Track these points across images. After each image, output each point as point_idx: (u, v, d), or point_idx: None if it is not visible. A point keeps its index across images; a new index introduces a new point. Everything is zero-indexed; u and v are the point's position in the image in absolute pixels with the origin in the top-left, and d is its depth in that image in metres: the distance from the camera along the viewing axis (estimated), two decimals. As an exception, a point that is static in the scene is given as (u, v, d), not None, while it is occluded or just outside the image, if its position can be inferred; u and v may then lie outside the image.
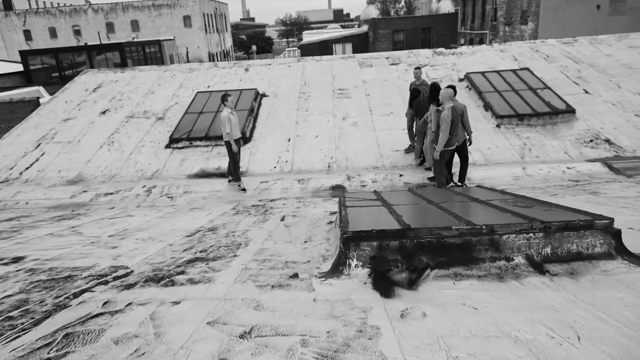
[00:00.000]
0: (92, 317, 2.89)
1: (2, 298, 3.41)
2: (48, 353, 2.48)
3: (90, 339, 2.60)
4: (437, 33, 41.24)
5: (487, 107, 10.73)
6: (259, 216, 6.51)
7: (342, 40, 42.47)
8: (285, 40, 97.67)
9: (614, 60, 12.56)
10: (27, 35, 52.11)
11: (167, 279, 3.61)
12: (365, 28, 44.25)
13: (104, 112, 12.62)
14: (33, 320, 2.91)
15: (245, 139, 10.49)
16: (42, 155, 11.11)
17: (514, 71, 12.07)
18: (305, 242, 4.68)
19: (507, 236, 3.29)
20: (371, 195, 5.83)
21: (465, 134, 7.57)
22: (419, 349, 2.32)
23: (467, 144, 7.68)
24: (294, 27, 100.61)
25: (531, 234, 3.28)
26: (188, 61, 48.21)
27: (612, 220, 3.29)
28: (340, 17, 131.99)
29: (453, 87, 7.31)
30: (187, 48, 50.26)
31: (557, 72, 12.16)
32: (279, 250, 4.35)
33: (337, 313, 2.74)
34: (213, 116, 11.37)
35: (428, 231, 3.34)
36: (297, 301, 2.96)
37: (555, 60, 12.88)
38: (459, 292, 2.92)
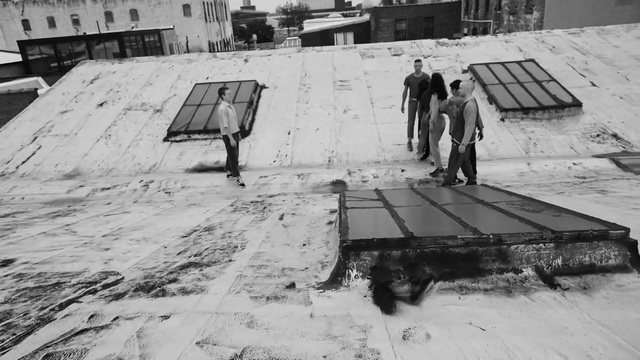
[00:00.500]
0: (76, 334, 2.73)
1: (-14, 309, 3.25)
2: (27, 376, 2.32)
3: (73, 360, 2.45)
4: (440, 22, 40.65)
5: (491, 100, 10.49)
6: (257, 214, 6.34)
7: (344, 29, 41.93)
8: (287, 29, 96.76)
9: (622, 51, 12.26)
10: (26, 24, 51.60)
11: (158, 288, 3.45)
12: (367, 17, 43.64)
13: (101, 105, 12.41)
14: (14, 337, 2.75)
15: (244, 132, 10.29)
16: (38, 148, 10.94)
17: (518, 63, 11.80)
18: (304, 245, 4.51)
19: (515, 246, 3.11)
20: (372, 194, 5.65)
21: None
22: (423, 376, 2.15)
23: (477, 139, 7.52)
24: (294, 15, 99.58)
25: (541, 245, 3.09)
26: (188, 50, 47.74)
27: (627, 230, 3.10)
28: (341, 5, 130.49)
29: (459, 82, 7.29)
30: (186, 37, 49.75)
31: (563, 64, 11.89)
32: (276, 255, 4.18)
33: (335, 332, 2.57)
34: (212, 108, 11.15)
35: (432, 240, 3.17)
36: (293, 317, 2.79)
37: (561, 52, 12.59)
38: (465, 309, 2.74)
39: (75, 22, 51.81)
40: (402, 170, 8.45)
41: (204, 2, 52.43)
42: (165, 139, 10.57)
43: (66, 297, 3.38)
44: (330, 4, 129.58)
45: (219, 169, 9.33)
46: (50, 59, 34.07)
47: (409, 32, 40.58)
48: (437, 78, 7.85)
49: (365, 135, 10.01)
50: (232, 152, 8.29)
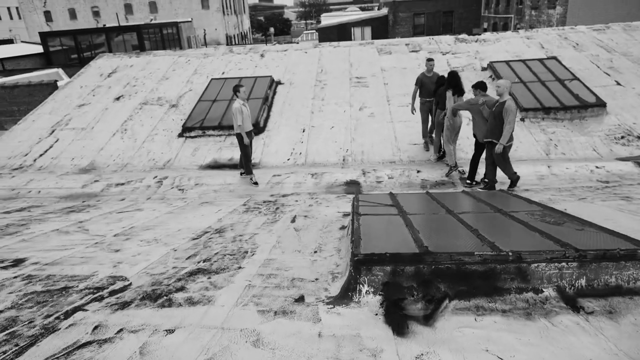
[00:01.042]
0: (78, 348, 2.67)
1: (-8, 314, 3.23)
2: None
3: (74, 376, 2.39)
4: (460, 16, 39.96)
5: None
6: (269, 215, 6.26)
7: (361, 23, 41.46)
8: (304, 22, 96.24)
9: (649, 49, 11.82)
10: (48, 16, 52.33)
11: (165, 297, 3.38)
12: (385, 11, 43.09)
13: (118, 98, 12.45)
14: (17, 348, 2.70)
15: (259, 128, 10.21)
16: (56, 141, 11.02)
17: (540, 60, 11.46)
18: (315, 252, 4.40)
19: (536, 265, 2.95)
20: (386, 198, 5.51)
21: None
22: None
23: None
24: (312, 8, 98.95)
25: (564, 263, 2.93)
26: (205, 43, 47.84)
27: (657, 250, 2.92)
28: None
29: (483, 83, 7.25)
30: (204, 30, 49.85)
31: (587, 62, 11.51)
32: (286, 263, 4.08)
33: (344, 355, 2.46)
34: (227, 104, 11.08)
35: (448, 256, 3.03)
36: (301, 336, 2.68)
37: (585, 49, 12.19)
38: (481, 333, 2.60)
39: (96, 14, 52.35)
40: (418, 171, 8.27)
41: (222, -5, 52.45)
42: (180, 135, 10.55)
43: (72, 304, 3.34)
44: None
45: (232, 166, 9.27)
46: (71, 50, 34.48)
47: (428, 26, 40.01)
48: (454, 75, 7.84)
49: (381, 133, 9.84)
50: (246, 150, 8.21)
